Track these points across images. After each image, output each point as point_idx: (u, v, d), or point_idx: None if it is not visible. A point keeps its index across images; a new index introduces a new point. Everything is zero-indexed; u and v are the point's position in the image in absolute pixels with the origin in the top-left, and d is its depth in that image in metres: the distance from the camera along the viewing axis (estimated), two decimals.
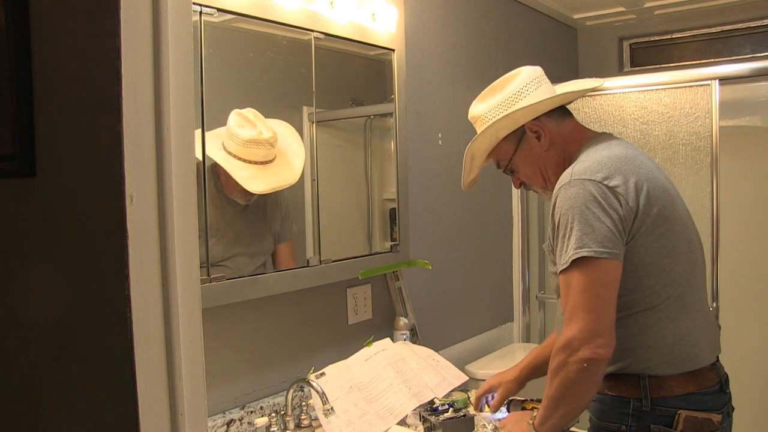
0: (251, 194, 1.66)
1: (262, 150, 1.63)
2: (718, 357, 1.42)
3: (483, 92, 1.55)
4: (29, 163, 0.85)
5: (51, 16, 0.84)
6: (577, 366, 1.26)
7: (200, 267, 1.31)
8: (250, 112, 1.63)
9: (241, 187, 1.61)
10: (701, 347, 1.35)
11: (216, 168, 1.63)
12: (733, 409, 1.44)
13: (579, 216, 1.28)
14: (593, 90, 1.60)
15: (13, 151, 0.85)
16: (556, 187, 1.37)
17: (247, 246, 1.71)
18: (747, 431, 2.71)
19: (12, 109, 0.85)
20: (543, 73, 1.53)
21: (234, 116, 1.61)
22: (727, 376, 1.43)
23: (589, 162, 1.35)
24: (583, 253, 1.25)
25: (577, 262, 1.27)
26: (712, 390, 1.34)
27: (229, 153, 1.60)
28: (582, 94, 1.55)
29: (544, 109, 1.47)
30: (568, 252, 1.28)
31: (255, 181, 1.63)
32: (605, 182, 1.30)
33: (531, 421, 1.40)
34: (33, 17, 0.84)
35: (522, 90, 1.47)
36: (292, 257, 1.80)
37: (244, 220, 1.72)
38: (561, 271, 1.30)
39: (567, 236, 1.29)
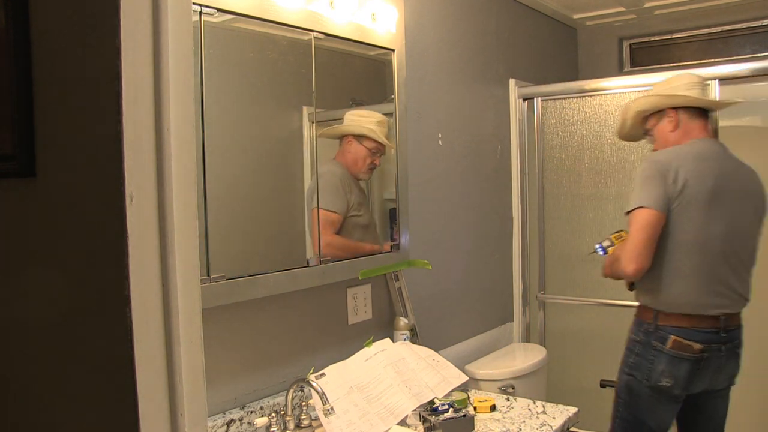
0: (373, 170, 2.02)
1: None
2: (730, 314, 1.94)
3: (680, 75, 2.14)
4: (29, 163, 0.84)
5: (51, 16, 0.84)
6: (621, 273, 1.96)
7: (202, 267, 1.35)
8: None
9: (370, 163, 1.98)
10: (701, 302, 1.93)
11: (343, 155, 1.94)
12: (734, 348, 1.97)
13: (641, 181, 1.95)
14: (724, 106, 2.18)
15: (13, 151, 0.85)
16: None
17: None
18: (747, 431, 2.71)
19: (12, 109, 0.85)
20: (700, 81, 2.09)
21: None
22: (740, 328, 2.00)
23: (667, 151, 2.00)
24: (637, 204, 1.93)
25: (633, 211, 1.93)
26: (705, 330, 1.93)
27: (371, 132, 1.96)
28: (713, 106, 2.11)
29: (663, 105, 2.07)
30: (630, 203, 1.95)
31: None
32: (664, 165, 1.94)
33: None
34: (33, 17, 0.84)
35: (677, 86, 2.06)
36: None
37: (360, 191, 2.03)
38: (626, 213, 1.97)
39: (634, 192, 1.96)
